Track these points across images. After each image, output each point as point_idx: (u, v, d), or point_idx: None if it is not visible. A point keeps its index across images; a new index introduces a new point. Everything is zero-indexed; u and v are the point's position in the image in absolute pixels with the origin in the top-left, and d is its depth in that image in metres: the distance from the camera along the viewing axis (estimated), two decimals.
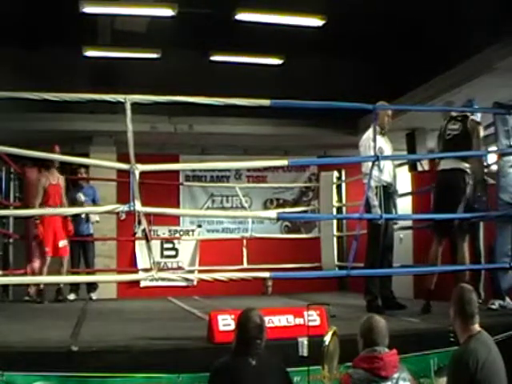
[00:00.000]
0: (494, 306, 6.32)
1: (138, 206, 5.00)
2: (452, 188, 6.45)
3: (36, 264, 8.68)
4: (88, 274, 9.43)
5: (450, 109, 6.98)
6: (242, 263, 9.78)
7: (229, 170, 12.01)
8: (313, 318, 4.71)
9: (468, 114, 6.67)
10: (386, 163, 6.70)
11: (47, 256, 8.44)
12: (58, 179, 8.62)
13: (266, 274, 5.83)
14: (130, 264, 11.33)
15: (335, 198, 10.94)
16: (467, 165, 6.50)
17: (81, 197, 9.30)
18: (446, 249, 6.72)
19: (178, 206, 11.69)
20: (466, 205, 6.41)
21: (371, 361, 3.51)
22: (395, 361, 3.56)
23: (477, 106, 6.88)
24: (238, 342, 3.85)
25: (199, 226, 12.09)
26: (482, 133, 6.60)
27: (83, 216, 9.26)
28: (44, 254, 8.46)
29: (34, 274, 8.53)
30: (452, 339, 4.15)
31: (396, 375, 3.51)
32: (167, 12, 8.65)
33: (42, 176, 8.52)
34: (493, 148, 6.92)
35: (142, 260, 11.07)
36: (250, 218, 10.61)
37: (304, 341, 4.35)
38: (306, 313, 4.65)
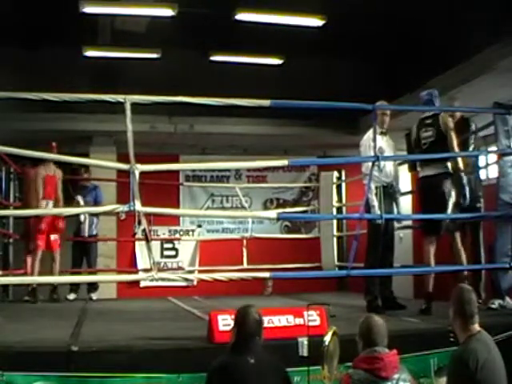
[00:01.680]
0: (493, 306, 6.33)
1: (138, 206, 5.01)
2: (439, 194, 6.43)
3: (28, 260, 8.70)
4: (90, 274, 9.44)
5: (450, 109, 6.96)
6: (242, 263, 9.78)
7: (229, 170, 12.01)
8: (313, 318, 4.71)
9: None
10: (387, 163, 6.70)
11: (39, 250, 8.47)
12: (54, 171, 8.69)
13: (266, 274, 5.84)
14: (130, 264, 11.33)
15: (335, 198, 10.94)
16: (449, 165, 6.50)
17: (79, 201, 9.31)
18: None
19: (178, 206, 11.69)
20: (457, 204, 6.42)
21: (371, 361, 3.51)
22: (395, 361, 3.56)
23: (437, 97, 6.72)
24: (237, 338, 3.84)
25: (199, 226, 12.09)
26: (451, 124, 6.50)
27: (82, 218, 9.28)
28: (36, 247, 8.48)
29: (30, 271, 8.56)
30: (452, 339, 4.15)
31: (396, 376, 3.50)
32: (167, 12, 8.65)
33: (39, 168, 8.60)
34: (493, 148, 6.92)
35: (142, 260, 11.08)
36: (249, 217, 10.61)
37: (304, 341, 4.35)
38: (305, 313, 4.65)
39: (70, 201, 9.19)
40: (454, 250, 6.49)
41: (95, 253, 9.67)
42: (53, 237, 8.63)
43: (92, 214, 9.33)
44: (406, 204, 9.92)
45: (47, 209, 8.46)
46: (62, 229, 8.88)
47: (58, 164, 8.73)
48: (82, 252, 9.50)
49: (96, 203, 9.34)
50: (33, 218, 8.56)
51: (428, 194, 6.58)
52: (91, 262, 9.52)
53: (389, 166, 6.79)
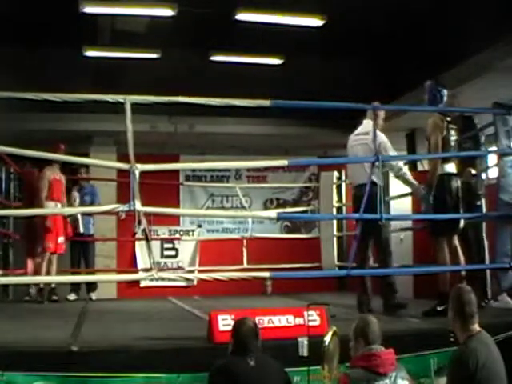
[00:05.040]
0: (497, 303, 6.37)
1: (138, 205, 5.01)
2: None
3: (38, 260, 8.68)
4: (88, 273, 9.44)
5: (451, 109, 6.95)
6: (242, 263, 9.78)
7: (229, 170, 12.02)
8: (313, 318, 4.71)
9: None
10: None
11: (47, 252, 8.46)
12: (59, 176, 8.71)
13: (266, 274, 5.85)
14: (130, 264, 11.34)
15: (335, 198, 10.93)
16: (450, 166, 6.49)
17: (76, 198, 9.31)
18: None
19: (178, 205, 11.70)
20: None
21: (369, 358, 3.52)
22: (392, 359, 3.57)
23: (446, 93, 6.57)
24: (236, 341, 3.88)
25: (199, 226, 12.09)
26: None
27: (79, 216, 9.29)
28: (44, 249, 8.47)
29: (36, 271, 8.53)
30: (452, 339, 4.15)
31: (394, 373, 3.51)
32: (167, 12, 8.64)
33: (47, 170, 8.61)
34: (493, 148, 6.91)
35: (142, 260, 11.08)
36: (249, 217, 10.61)
37: (304, 341, 4.35)
38: (306, 313, 4.65)
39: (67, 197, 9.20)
40: (453, 250, 6.45)
41: (93, 252, 9.67)
42: (60, 239, 8.63)
43: (88, 214, 9.34)
44: (405, 205, 9.93)
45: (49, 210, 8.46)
46: (71, 233, 8.96)
47: (62, 166, 8.76)
48: (79, 252, 9.49)
49: (92, 203, 9.34)
50: (39, 219, 8.56)
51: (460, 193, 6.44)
52: (89, 262, 9.52)
53: None
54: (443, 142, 6.38)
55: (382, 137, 6.58)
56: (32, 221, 8.68)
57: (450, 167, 6.41)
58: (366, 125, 6.66)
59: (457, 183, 6.39)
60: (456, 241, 6.40)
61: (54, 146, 7.95)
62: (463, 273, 6.38)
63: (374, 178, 6.21)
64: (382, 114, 6.82)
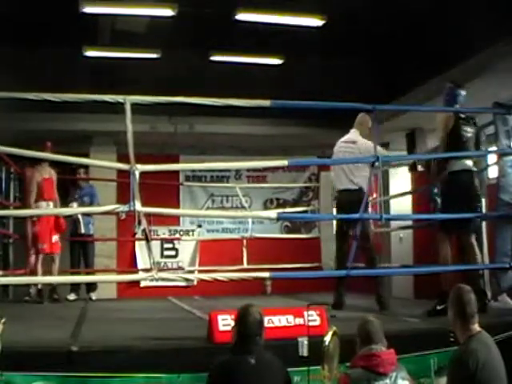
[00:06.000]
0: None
1: (138, 206, 5.01)
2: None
3: (32, 261, 8.68)
4: (88, 274, 9.44)
5: (450, 109, 6.94)
6: (242, 263, 9.78)
7: (229, 170, 12.02)
8: (313, 318, 4.71)
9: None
10: None
11: (42, 253, 8.46)
12: (49, 173, 8.68)
13: (266, 274, 5.85)
14: (130, 264, 11.34)
15: None
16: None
17: (73, 205, 9.30)
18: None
19: (178, 206, 11.70)
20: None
21: (369, 358, 3.53)
22: (393, 359, 3.58)
23: (463, 93, 6.59)
24: (238, 338, 3.83)
25: (199, 226, 12.09)
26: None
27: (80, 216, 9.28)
28: (39, 250, 8.47)
29: (32, 272, 8.53)
30: (452, 339, 4.15)
31: (394, 373, 3.52)
32: (167, 12, 8.65)
33: (35, 171, 8.59)
34: (493, 148, 6.92)
35: (142, 260, 11.08)
36: (249, 217, 10.60)
37: (304, 341, 4.35)
38: (306, 313, 4.65)
39: (65, 200, 9.19)
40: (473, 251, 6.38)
41: (93, 252, 9.66)
42: (54, 238, 8.62)
43: (87, 214, 9.33)
44: (405, 204, 9.94)
45: (48, 209, 8.46)
46: (65, 228, 8.91)
47: (55, 164, 8.73)
48: (79, 252, 9.49)
49: (91, 204, 9.33)
50: (29, 221, 8.54)
51: (471, 189, 6.38)
52: (89, 262, 9.52)
53: None
54: (455, 138, 6.35)
55: (367, 145, 6.75)
56: (26, 221, 8.70)
57: (464, 163, 6.32)
58: (354, 133, 6.96)
59: (466, 178, 6.29)
60: (473, 239, 6.31)
61: (42, 146, 7.90)
62: (481, 272, 6.37)
63: (361, 185, 6.33)
64: (369, 122, 6.93)
